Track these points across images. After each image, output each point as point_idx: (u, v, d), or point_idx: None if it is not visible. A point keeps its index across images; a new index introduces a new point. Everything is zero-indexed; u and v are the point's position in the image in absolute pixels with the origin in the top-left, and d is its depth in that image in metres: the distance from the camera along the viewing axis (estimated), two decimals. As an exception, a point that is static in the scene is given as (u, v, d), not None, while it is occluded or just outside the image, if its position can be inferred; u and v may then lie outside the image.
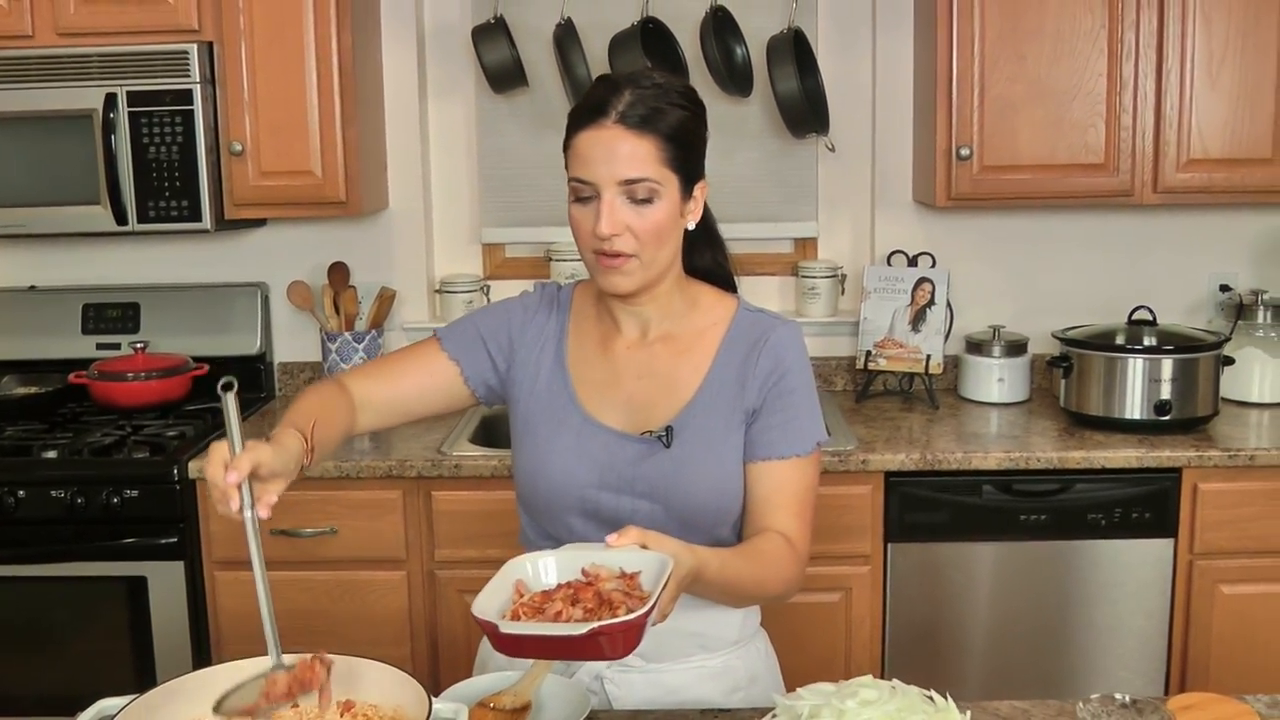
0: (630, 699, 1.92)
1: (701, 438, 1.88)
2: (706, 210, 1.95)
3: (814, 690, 1.61)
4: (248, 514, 1.60)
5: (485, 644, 2.08)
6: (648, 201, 1.78)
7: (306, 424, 1.75)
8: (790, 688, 1.90)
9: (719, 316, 1.96)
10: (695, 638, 1.93)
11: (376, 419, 1.99)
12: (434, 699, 1.50)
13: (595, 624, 1.42)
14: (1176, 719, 1.63)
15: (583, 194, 1.80)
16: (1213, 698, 1.74)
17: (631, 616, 1.44)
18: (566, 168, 1.82)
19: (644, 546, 1.58)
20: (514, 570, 1.60)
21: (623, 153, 1.76)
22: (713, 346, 1.93)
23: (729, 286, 2.03)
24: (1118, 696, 1.63)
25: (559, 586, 1.58)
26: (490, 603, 1.52)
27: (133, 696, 1.52)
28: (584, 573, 1.58)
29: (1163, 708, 1.63)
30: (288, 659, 1.59)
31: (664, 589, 1.50)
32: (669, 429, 1.88)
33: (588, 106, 1.80)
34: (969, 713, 1.60)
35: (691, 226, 1.89)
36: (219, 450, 1.61)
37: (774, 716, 1.62)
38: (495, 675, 1.80)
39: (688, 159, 1.82)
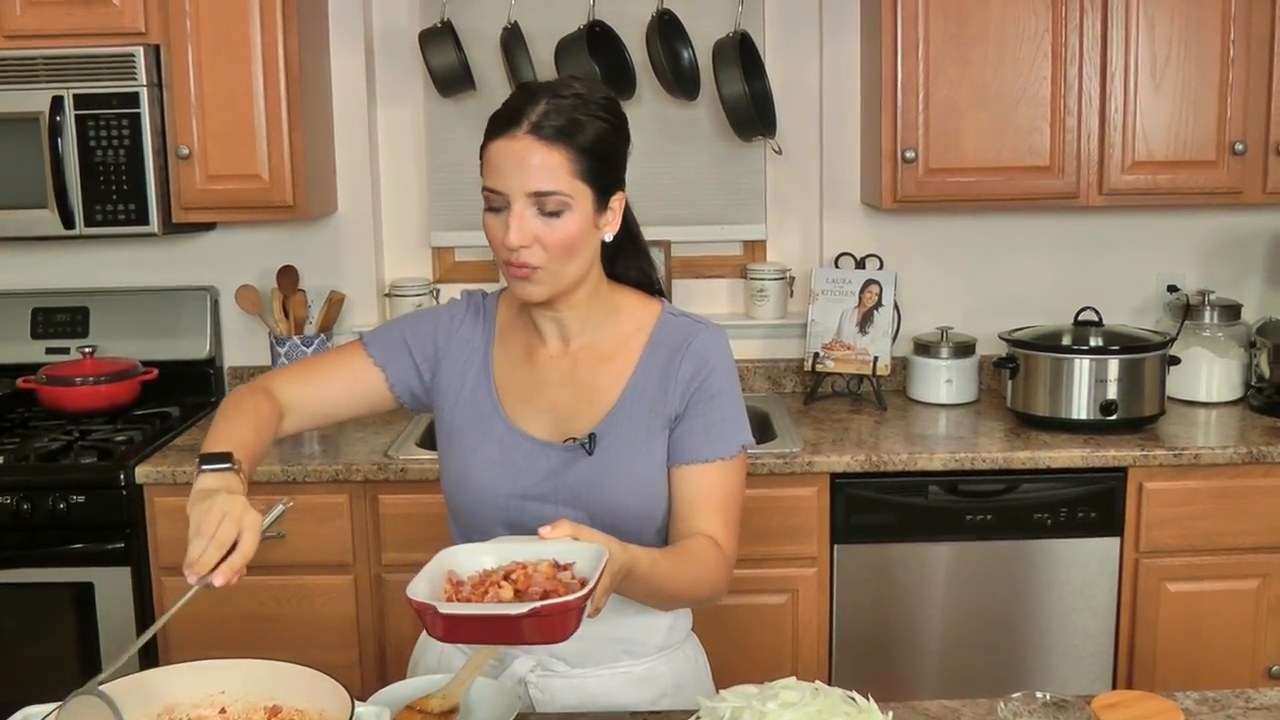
0: (553, 704, 1.91)
1: (623, 444, 1.88)
2: (631, 219, 1.95)
3: (736, 692, 1.62)
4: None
5: (419, 646, 2.08)
6: (557, 215, 1.76)
7: (247, 456, 1.77)
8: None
9: (642, 322, 1.95)
10: (620, 643, 1.93)
11: (301, 422, 1.98)
12: (358, 703, 1.50)
13: (535, 604, 1.42)
14: (1099, 717, 1.64)
15: (494, 203, 1.79)
16: (1138, 695, 1.74)
17: (570, 597, 1.44)
18: (481, 175, 1.81)
19: (575, 539, 1.58)
20: (446, 560, 1.60)
21: (533, 164, 1.74)
22: (635, 353, 1.93)
23: (657, 294, 2.02)
24: (1039, 695, 1.64)
25: (494, 571, 1.57)
26: (423, 588, 1.51)
27: (56, 705, 1.51)
28: (518, 563, 1.58)
29: (1085, 706, 1.64)
30: None
31: (600, 577, 1.50)
32: (591, 436, 1.88)
33: (502, 115, 1.79)
34: (891, 713, 1.61)
35: (608, 238, 1.88)
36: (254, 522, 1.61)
37: (697, 718, 1.63)
38: (424, 679, 1.80)
39: (602, 171, 1.80)
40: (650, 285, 2.01)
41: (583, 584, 1.50)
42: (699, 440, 1.89)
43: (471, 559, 1.61)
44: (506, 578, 1.54)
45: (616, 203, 1.86)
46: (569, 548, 1.57)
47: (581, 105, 1.78)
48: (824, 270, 3.80)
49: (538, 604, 1.42)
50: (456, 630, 1.49)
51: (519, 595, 1.50)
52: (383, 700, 1.72)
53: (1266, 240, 3.89)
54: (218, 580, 1.55)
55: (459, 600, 1.52)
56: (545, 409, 1.93)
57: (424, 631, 2.08)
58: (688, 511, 1.90)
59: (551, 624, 1.44)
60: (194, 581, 1.56)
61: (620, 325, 1.95)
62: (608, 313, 1.94)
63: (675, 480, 1.90)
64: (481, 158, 1.81)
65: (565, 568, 1.56)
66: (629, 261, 1.98)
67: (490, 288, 2.09)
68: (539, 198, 1.75)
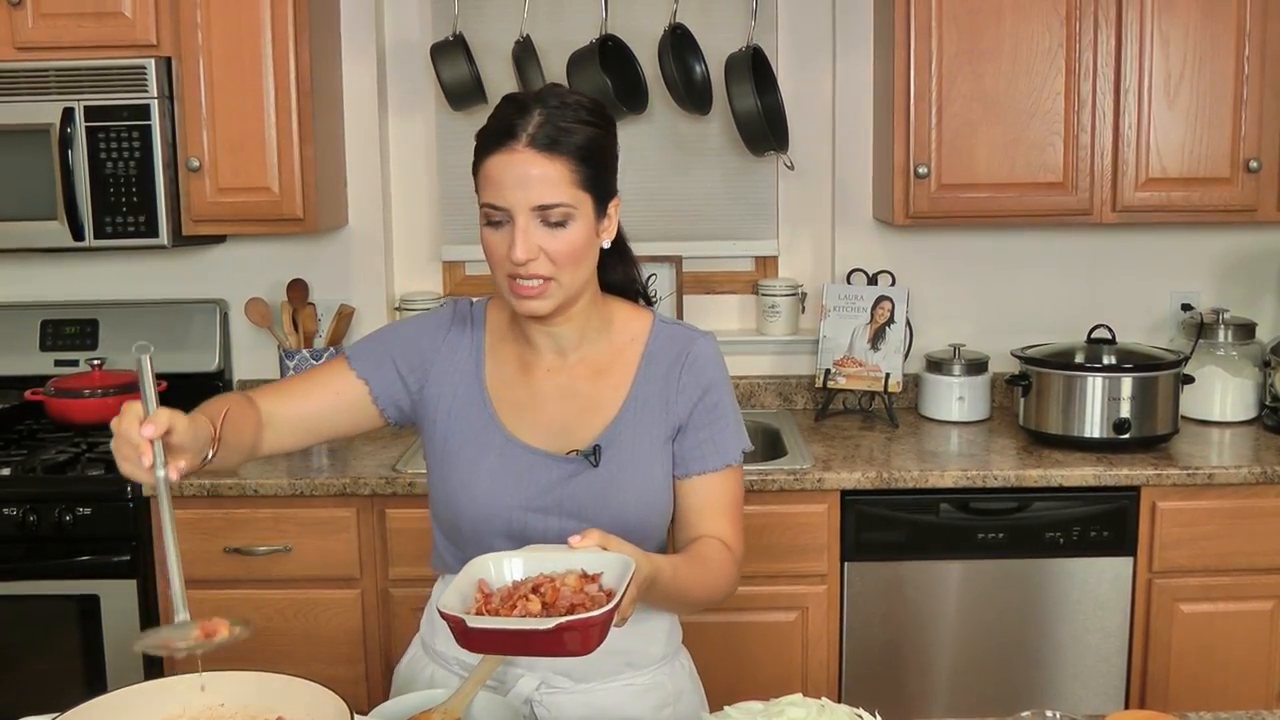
0: None
1: (628, 455, 1.88)
2: (619, 225, 1.94)
3: (742, 709, 1.60)
4: (160, 473, 1.54)
5: (407, 663, 2.06)
6: (561, 225, 1.76)
7: (217, 417, 1.71)
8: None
9: (636, 332, 1.95)
10: (623, 655, 1.91)
11: (282, 439, 1.91)
12: (359, 717, 1.49)
13: (561, 619, 1.44)
14: (1110, 737, 1.62)
15: (495, 218, 1.77)
16: (1150, 716, 1.72)
17: (598, 612, 1.45)
18: (477, 191, 1.80)
19: (604, 549, 1.59)
20: (476, 570, 1.60)
21: (535, 177, 1.73)
22: (633, 364, 1.93)
23: (644, 300, 2.03)
24: (1049, 714, 1.62)
25: (523, 582, 1.58)
26: (454, 600, 1.52)
27: (52, 716, 1.50)
28: (547, 576, 1.59)
29: (1095, 726, 1.62)
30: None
31: (627, 589, 1.51)
32: (596, 448, 1.87)
33: (496, 129, 1.77)
34: (899, 731, 1.59)
35: (607, 245, 1.87)
36: (133, 408, 1.55)
37: (702, 734, 1.62)
38: (424, 693, 1.78)
39: (600, 178, 1.80)
40: (635, 291, 2.01)
41: (609, 596, 1.51)
42: (708, 450, 1.91)
43: (501, 569, 1.61)
44: (535, 590, 1.55)
45: (614, 209, 1.86)
46: (598, 558, 1.59)
47: (572, 112, 1.78)
48: (836, 286, 3.79)
49: (565, 619, 1.44)
50: (485, 643, 1.50)
51: (546, 608, 1.52)
52: (383, 715, 1.71)
53: (1281, 258, 3.87)
54: (174, 474, 1.55)
55: (488, 611, 1.54)
56: (544, 422, 1.91)
57: (409, 653, 2.10)
58: (697, 519, 1.92)
59: (578, 638, 1.46)
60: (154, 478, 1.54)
61: (614, 336, 1.95)
62: (602, 324, 1.94)
63: (683, 490, 1.92)
64: (476, 174, 1.80)
65: (593, 578, 1.57)
66: (617, 268, 1.98)
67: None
68: (543, 210, 1.74)
